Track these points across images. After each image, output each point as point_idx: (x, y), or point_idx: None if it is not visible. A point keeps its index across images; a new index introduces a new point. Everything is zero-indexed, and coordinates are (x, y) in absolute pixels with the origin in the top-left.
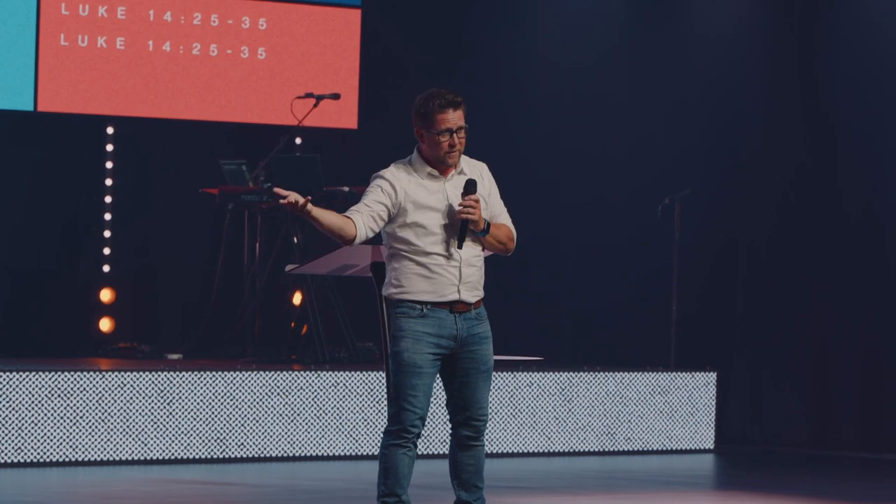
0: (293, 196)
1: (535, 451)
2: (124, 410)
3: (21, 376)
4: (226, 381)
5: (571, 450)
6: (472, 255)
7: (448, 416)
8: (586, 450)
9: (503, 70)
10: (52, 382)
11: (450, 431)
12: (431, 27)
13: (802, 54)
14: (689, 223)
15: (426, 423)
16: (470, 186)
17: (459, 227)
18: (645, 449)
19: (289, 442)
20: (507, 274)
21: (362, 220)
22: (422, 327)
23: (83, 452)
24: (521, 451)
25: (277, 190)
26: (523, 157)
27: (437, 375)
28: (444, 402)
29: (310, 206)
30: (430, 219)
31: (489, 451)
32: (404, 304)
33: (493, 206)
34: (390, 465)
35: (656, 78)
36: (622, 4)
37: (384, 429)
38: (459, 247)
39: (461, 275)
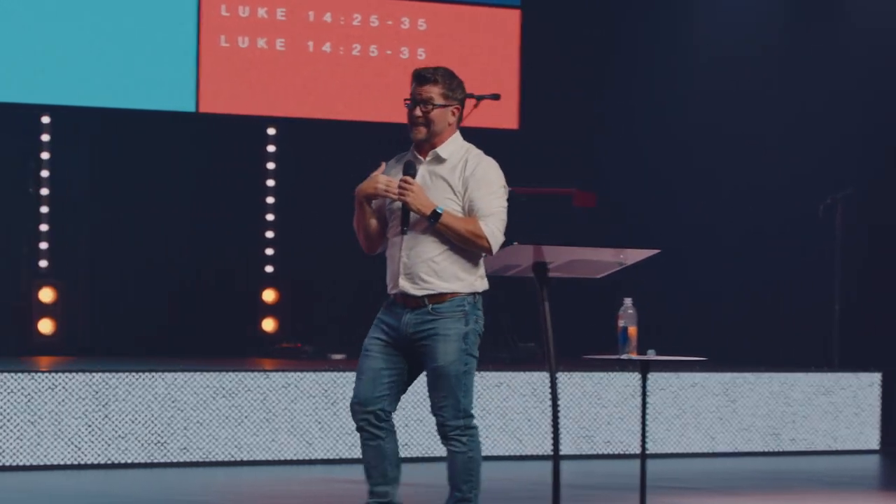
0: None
1: (699, 451)
2: (288, 410)
3: (186, 377)
4: None
5: (735, 450)
6: (426, 245)
7: None
8: (750, 450)
9: (659, 65)
10: (217, 383)
11: None
12: (589, 26)
13: None
14: (848, 220)
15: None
16: (408, 168)
17: (402, 212)
18: (809, 450)
19: None
20: (663, 271)
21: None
22: (383, 314)
23: (248, 452)
24: (684, 452)
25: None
26: (681, 151)
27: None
28: None
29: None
30: (391, 203)
31: (662, 452)
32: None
33: (472, 201)
34: (362, 456)
35: (813, 71)
36: (778, 1)
37: None
38: (403, 232)
39: (401, 265)
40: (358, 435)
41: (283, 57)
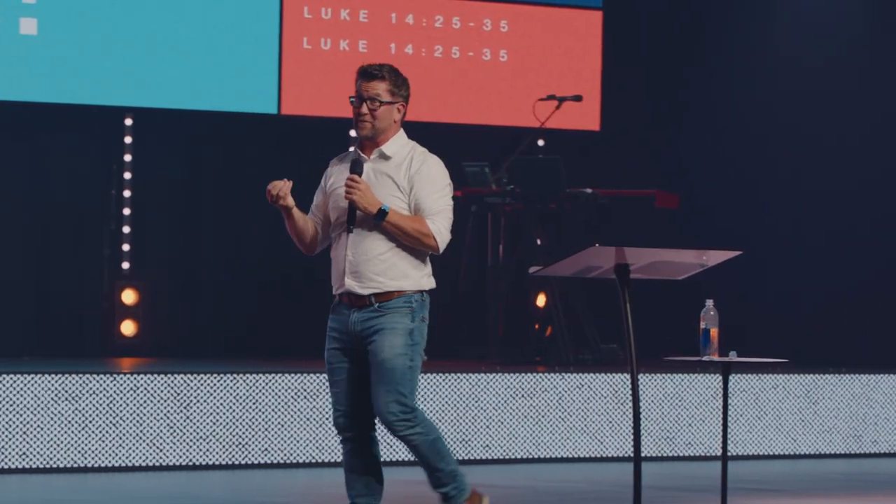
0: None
1: (781, 453)
2: None
3: (268, 378)
4: (470, 383)
5: (817, 452)
6: (372, 243)
7: None
8: (832, 452)
9: (741, 65)
10: (299, 384)
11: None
12: (670, 27)
13: None
14: None
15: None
16: (354, 166)
17: (348, 210)
18: (891, 452)
19: (533, 443)
20: (745, 272)
21: (312, 220)
22: (331, 322)
23: (329, 454)
24: (766, 454)
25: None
26: (763, 151)
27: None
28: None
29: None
30: (336, 202)
31: (743, 454)
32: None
33: (418, 199)
34: (343, 469)
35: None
36: (860, 1)
37: None
38: (349, 231)
39: (347, 263)
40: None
41: (365, 59)
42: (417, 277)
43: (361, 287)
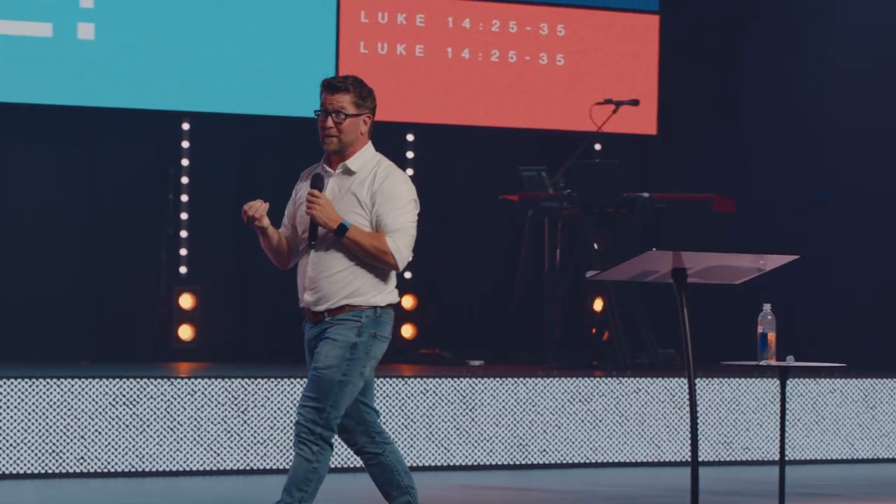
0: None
1: (839, 457)
2: (427, 416)
3: None
4: (527, 387)
5: (875, 456)
6: (332, 260)
7: None
8: (890, 457)
9: (797, 67)
10: None
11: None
12: (727, 30)
13: None
14: None
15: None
16: (315, 181)
17: (309, 225)
18: None
19: (591, 448)
20: (803, 275)
21: (284, 235)
22: (304, 334)
23: None
24: (824, 458)
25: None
26: (821, 154)
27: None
28: None
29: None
30: (301, 216)
31: (800, 458)
32: None
33: (379, 216)
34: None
35: None
36: None
37: None
38: (310, 246)
39: (307, 279)
40: (493, 442)
41: (422, 63)
42: (374, 294)
43: (317, 304)
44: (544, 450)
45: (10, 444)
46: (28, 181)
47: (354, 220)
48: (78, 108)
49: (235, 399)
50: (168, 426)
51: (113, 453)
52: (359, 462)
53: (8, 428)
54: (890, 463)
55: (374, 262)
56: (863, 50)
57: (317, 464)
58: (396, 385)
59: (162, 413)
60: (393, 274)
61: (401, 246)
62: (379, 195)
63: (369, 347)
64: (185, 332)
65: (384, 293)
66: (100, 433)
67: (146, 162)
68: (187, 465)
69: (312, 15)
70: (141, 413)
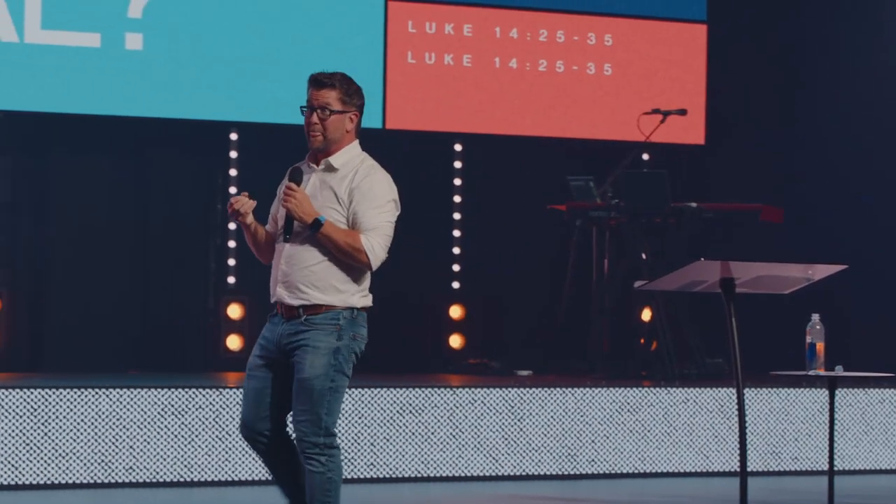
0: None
1: (888, 468)
2: (475, 426)
3: (373, 393)
4: (575, 398)
5: None
6: (305, 254)
7: None
8: None
9: (847, 76)
10: (404, 399)
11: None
12: (775, 40)
13: None
14: None
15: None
16: (293, 175)
17: (285, 219)
18: None
19: (639, 458)
20: (852, 285)
21: (268, 230)
22: (265, 329)
23: (435, 468)
24: (873, 469)
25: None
26: (871, 163)
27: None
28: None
29: (251, 220)
30: (279, 210)
31: (849, 469)
32: None
33: (356, 214)
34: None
35: None
36: None
37: None
38: (285, 240)
39: (280, 273)
40: (541, 452)
41: (470, 73)
42: (349, 294)
43: (291, 298)
44: (592, 460)
45: (61, 454)
46: (76, 191)
47: (331, 215)
48: (126, 119)
49: None
50: (216, 436)
51: (161, 463)
52: (350, 473)
53: (58, 438)
54: None
55: (348, 259)
56: None
57: (329, 472)
58: (445, 395)
59: (210, 423)
60: (368, 274)
61: (375, 245)
62: (357, 192)
63: (350, 349)
64: (234, 342)
65: (359, 295)
66: (148, 443)
67: (194, 172)
68: (236, 476)
69: (360, 25)
70: (189, 423)
